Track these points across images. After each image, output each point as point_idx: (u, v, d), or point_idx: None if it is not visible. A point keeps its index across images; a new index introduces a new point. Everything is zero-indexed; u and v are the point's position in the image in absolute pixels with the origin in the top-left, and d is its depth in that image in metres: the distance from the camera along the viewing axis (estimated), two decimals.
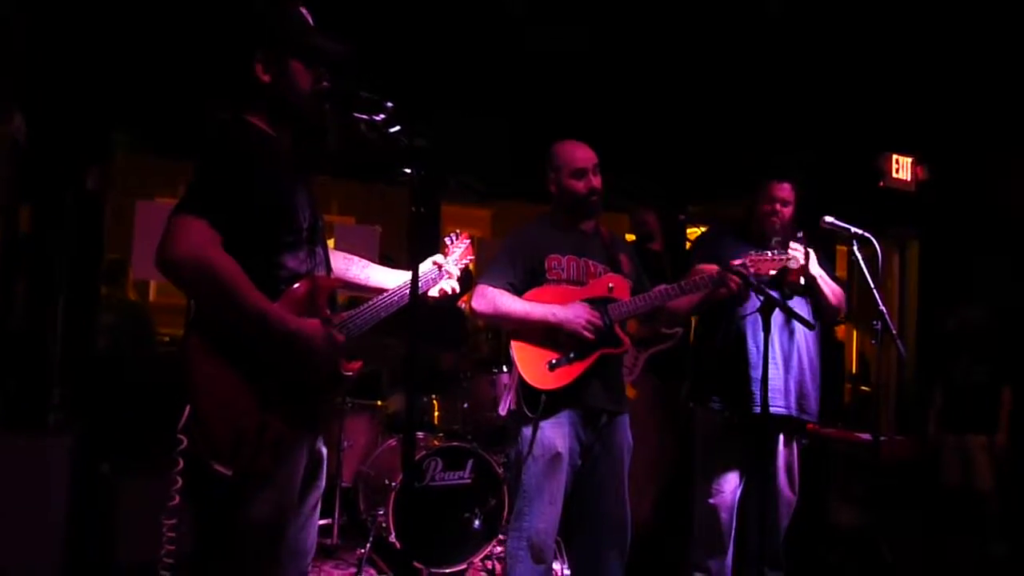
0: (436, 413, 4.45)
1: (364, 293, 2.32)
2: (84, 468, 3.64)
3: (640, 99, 5.53)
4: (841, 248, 6.91)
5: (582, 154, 3.07)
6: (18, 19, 4.13)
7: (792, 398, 3.33)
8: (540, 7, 4.86)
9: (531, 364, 2.92)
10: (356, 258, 2.39)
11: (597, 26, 5.03)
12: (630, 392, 4.62)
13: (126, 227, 5.28)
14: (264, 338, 1.89)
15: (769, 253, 3.07)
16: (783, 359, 3.33)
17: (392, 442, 4.20)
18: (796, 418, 3.36)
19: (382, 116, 1.94)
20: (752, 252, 3.07)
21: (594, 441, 2.99)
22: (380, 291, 2.28)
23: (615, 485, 3.01)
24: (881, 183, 5.69)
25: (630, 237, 4.97)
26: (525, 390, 2.92)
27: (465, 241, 2.55)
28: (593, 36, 5.08)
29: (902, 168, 5.71)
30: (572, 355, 2.91)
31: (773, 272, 3.11)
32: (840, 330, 6.77)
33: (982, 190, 5.80)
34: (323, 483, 2.16)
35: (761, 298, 2.90)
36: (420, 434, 4.26)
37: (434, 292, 2.43)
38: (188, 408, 1.86)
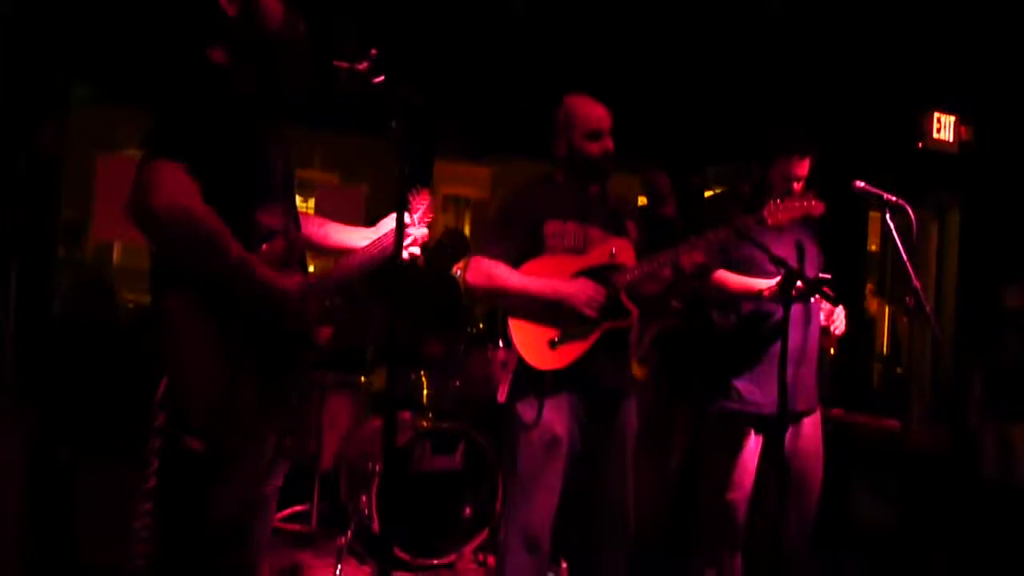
0: (425, 391, 4.47)
1: (323, 253, 2.34)
2: (41, 455, 3.64)
3: (651, 51, 5.48)
4: (874, 215, 6.92)
5: (598, 113, 3.06)
6: None
7: (812, 392, 3.42)
8: None
9: (530, 343, 2.93)
10: (312, 215, 2.42)
11: None
12: (637, 370, 4.67)
13: (86, 184, 5.29)
14: (248, 297, 1.89)
15: (789, 200, 3.06)
16: (810, 350, 3.38)
17: (376, 422, 4.23)
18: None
19: (365, 64, 1.93)
20: (770, 201, 3.06)
21: (597, 425, 3.01)
22: (341, 251, 2.30)
23: (618, 472, 3.03)
24: (921, 144, 5.65)
25: (642, 200, 4.96)
26: (524, 370, 2.93)
27: (424, 201, 2.50)
28: None
29: (944, 128, 5.67)
30: (574, 331, 2.92)
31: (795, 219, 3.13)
32: (871, 305, 6.78)
33: None
34: (282, 473, 2.16)
35: (781, 270, 2.90)
36: (407, 414, 4.28)
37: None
38: (166, 379, 1.86)
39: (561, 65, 5.26)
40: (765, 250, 2.94)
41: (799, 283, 2.96)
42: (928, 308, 3.32)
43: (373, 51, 1.93)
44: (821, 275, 3.25)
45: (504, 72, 5.49)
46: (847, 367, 5.94)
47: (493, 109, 5.69)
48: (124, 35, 4.69)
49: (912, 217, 3.28)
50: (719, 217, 3.26)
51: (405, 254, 2.33)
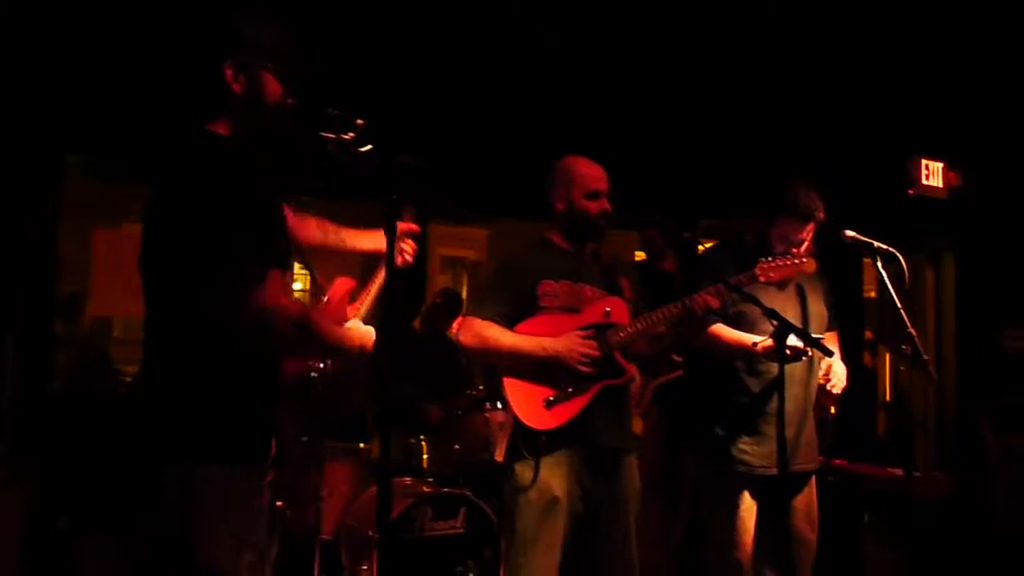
0: (425, 456, 4.44)
1: (343, 253, 2.55)
2: (38, 525, 3.63)
3: (643, 107, 5.56)
4: (869, 261, 6.93)
5: (597, 174, 3.12)
6: None
7: (813, 450, 3.40)
8: (538, 11, 4.91)
9: (526, 402, 2.93)
10: (329, 223, 2.59)
11: (596, 31, 5.08)
12: (638, 426, 4.64)
13: (83, 258, 5.34)
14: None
15: (781, 259, 3.08)
16: (810, 408, 3.38)
17: (375, 489, 4.19)
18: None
19: (352, 135, 1.98)
20: (761, 259, 3.08)
21: (597, 485, 2.98)
22: (359, 252, 2.54)
23: (622, 534, 3.00)
24: (911, 191, 5.71)
25: (640, 255, 4.99)
26: (521, 430, 2.93)
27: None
28: (592, 41, 5.13)
29: (933, 174, 5.73)
30: (570, 390, 2.92)
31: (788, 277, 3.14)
32: (868, 356, 6.76)
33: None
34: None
35: (775, 322, 2.90)
36: (407, 480, 4.25)
37: None
38: None
39: (553, 125, 5.33)
40: (758, 303, 2.94)
41: (793, 338, 2.94)
42: (925, 354, 3.32)
43: (360, 121, 1.98)
44: (815, 335, 3.24)
45: (497, 134, 5.56)
46: (851, 417, 5.92)
47: (488, 171, 5.75)
48: (120, 108, 4.75)
49: (903, 264, 3.30)
50: (715, 270, 3.27)
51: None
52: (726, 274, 3.10)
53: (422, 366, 4.73)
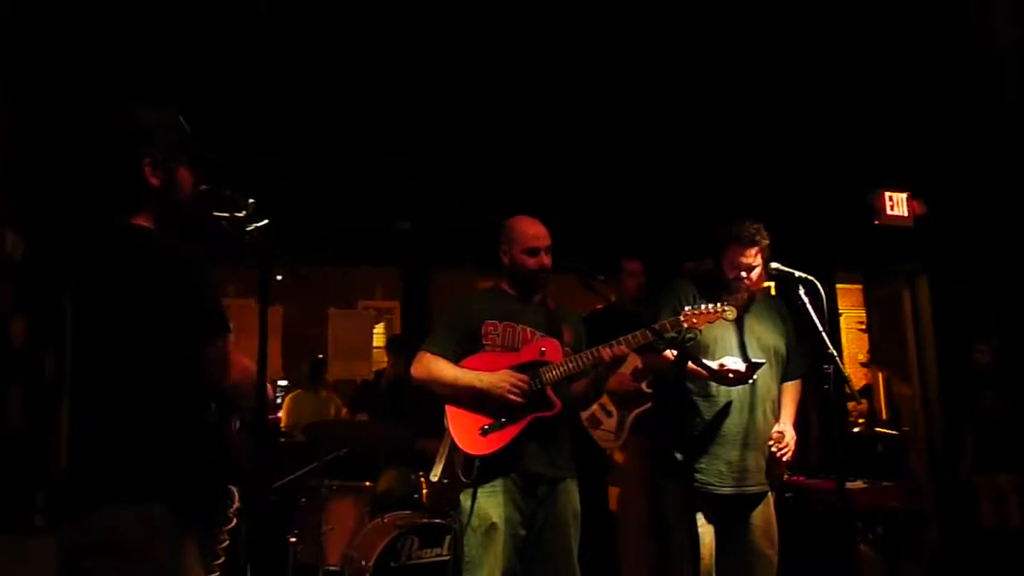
0: (424, 491, 4.49)
1: None
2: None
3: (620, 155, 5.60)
4: (844, 287, 6.85)
5: (537, 232, 3.20)
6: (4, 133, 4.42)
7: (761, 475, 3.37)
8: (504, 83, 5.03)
9: (464, 429, 3.01)
10: None
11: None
12: (618, 456, 4.64)
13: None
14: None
15: (703, 307, 3.09)
16: (758, 435, 3.36)
17: (373, 523, 4.26)
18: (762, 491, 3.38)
19: (244, 212, 2.07)
20: (686, 307, 3.09)
21: (536, 509, 3.02)
22: None
23: (562, 555, 3.03)
24: (877, 221, 5.64)
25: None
26: (460, 457, 3.00)
27: None
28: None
29: (897, 205, 5.66)
30: (504, 420, 2.99)
31: (710, 322, 3.15)
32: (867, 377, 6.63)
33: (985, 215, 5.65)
34: None
35: (676, 353, 2.94)
36: (406, 512, 4.33)
37: None
38: None
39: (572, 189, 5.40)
40: (663, 338, 3.01)
41: (691, 364, 3.05)
42: (845, 371, 3.29)
43: (251, 200, 2.07)
44: (755, 360, 3.24)
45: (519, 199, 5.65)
46: (845, 435, 5.81)
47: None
48: None
49: (821, 290, 3.29)
50: (671, 301, 3.35)
51: None
52: (679, 305, 3.15)
53: (418, 407, 4.79)
